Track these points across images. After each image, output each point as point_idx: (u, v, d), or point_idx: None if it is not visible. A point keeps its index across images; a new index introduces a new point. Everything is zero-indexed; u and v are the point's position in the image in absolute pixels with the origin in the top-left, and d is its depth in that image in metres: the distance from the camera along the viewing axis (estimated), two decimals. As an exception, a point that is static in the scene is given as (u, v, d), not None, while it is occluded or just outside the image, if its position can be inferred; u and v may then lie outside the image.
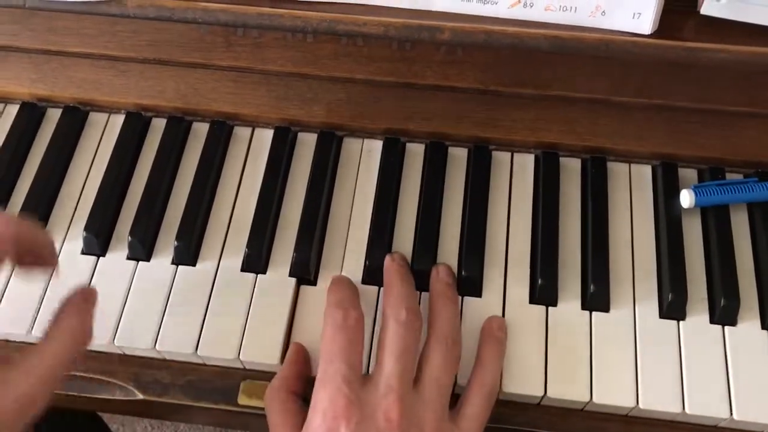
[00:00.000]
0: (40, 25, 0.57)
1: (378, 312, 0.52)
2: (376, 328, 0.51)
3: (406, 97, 0.57)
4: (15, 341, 0.53)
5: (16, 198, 0.57)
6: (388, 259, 0.52)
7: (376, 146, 0.59)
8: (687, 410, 0.48)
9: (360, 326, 0.47)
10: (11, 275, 0.53)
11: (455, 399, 0.47)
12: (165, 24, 0.55)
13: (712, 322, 0.51)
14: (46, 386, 0.41)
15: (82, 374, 0.52)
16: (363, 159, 0.59)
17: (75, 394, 0.52)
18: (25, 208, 0.55)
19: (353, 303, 0.48)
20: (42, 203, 0.56)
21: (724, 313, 0.51)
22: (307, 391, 0.49)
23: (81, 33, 0.57)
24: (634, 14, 0.48)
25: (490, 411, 0.47)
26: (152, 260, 0.54)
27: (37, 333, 0.50)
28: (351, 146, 0.59)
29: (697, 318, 0.51)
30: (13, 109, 0.61)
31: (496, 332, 0.50)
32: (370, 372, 0.49)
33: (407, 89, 0.57)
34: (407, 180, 0.57)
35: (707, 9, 0.48)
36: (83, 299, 0.46)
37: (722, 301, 0.51)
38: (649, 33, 0.48)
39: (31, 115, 0.60)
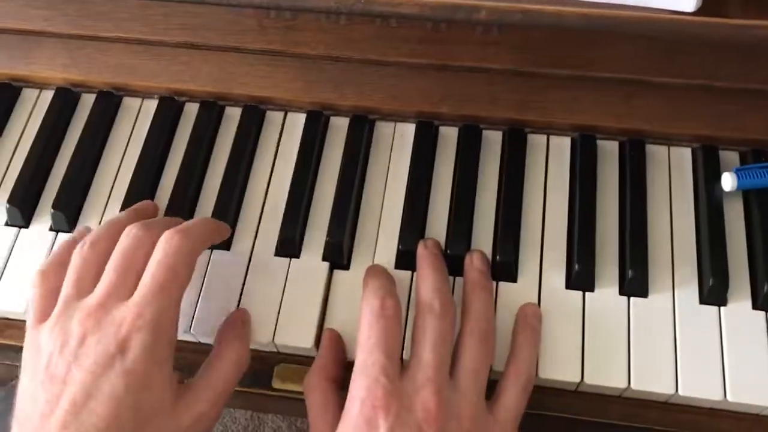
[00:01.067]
0: (73, 10, 0.58)
1: (411, 298, 0.51)
2: (409, 314, 0.50)
3: (440, 79, 0.56)
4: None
5: (51, 183, 0.58)
6: (421, 246, 0.52)
7: (409, 130, 0.58)
8: (728, 398, 0.47)
9: (397, 315, 0.46)
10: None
11: (491, 386, 0.47)
12: (198, 7, 0.55)
13: (754, 307, 0.50)
14: (215, 408, 0.46)
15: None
16: (396, 143, 0.58)
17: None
18: (62, 192, 0.56)
19: (390, 291, 0.47)
20: (77, 188, 0.57)
21: (767, 299, 0.50)
22: (345, 377, 0.49)
23: (114, 17, 0.57)
24: (676, -9, 0.46)
25: (527, 400, 0.47)
26: (186, 244, 0.54)
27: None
28: (383, 130, 0.59)
29: (739, 304, 0.50)
30: (48, 95, 0.61)
31: (530, 320, 0.49)
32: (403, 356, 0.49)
33: (441, 71, 0.56)
34: (441, 164, 0.57)
35: (753, -15, 0.46)
36: (242, 323, 0.50)
37: (765, 286, 0.49)
38: (693, 11, 0.47)
39: (65, 100, 0.61)
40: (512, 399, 0.46)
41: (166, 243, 0.45)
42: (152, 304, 0.43)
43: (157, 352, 0.42)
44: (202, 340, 0.52)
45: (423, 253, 0.51)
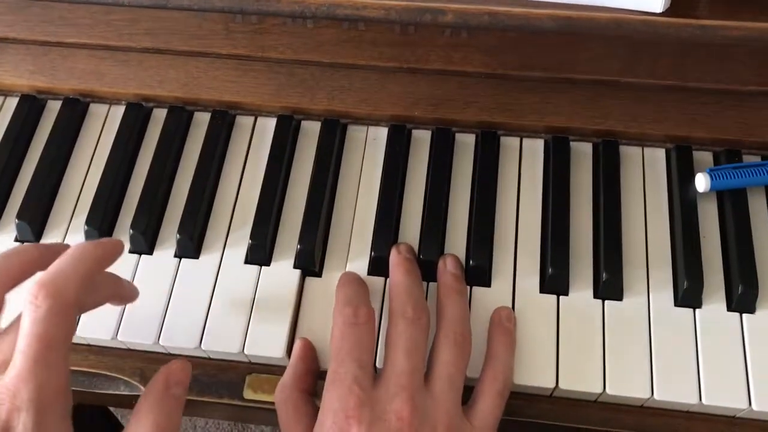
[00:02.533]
0: (35, 15, 0.57)
1: (384, 304, 0.51)
2: (382, 320, 0.50)
3: (411, 82, 0.56)
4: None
5: (17, 191, 0.56)
6: (393, 252, 0.51)
7: (381, 134, 0.58)
8: (704, 401, 0.47)
9: (371, 324, 0.46)
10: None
11: (468, 393, 0.46)
12: (161, 12, 0.54)
13: (729, 309, 0.50)
14: None
15: (87, 369, 0.52)
16: (368, 147, 0.57)
17: (81, 389, 0.52)
18: (26, 201, 0.55)
19: (363, 300, 0.47)
20: (43, 196, 0.55)
21: (741, 301, 0.49)
22: (317, 387, 0.48)
23: (77, 23, 0.56)
24: (645, -9, 0.46)
25: (504, 405, 0.46)
26: (155, 253, 0.53)
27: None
28: (355, 134, 0.58)
29: (714, 306, 0.50)
30: (12, 102, 0.60)
31: (504, 323, 0.49)
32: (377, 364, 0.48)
33: (412, 74, 0.56)
34: (413, 168, 0.56)
35: (722, -15, 0.46)
36: (167, 386, 0.42)
37: (740, 287, 0.49)
38: (661, 11, 0.46)
39: (31, 107, 0.60)
40: (489, 404, 0.46)
41: (32, 306, 0.38)
42: (29, 380, 0.37)
43: (46, 429, 0.37)
44: (171, 351, 0.51)
45: (396, 259, 0.51)
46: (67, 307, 0.39)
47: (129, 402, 0.53)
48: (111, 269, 0.48)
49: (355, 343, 0.44)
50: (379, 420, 0.42)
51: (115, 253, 0.46)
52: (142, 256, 0.53)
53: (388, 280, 0.51)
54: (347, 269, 0.52)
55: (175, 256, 0.53)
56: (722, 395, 0.47)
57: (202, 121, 0.59)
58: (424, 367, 0.45)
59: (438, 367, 0.45)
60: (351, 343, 0.44)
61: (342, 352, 0.44)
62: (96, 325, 0.50)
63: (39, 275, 0.40)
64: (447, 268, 0.50)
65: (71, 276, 0.40)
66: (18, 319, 0.40)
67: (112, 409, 0.82)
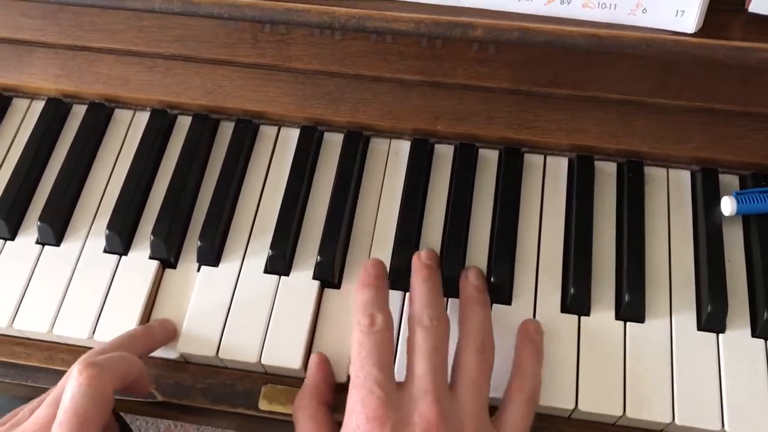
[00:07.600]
0: (67, 20, 0.57)
1: (404, 317, 0.50)
2: (401, 335, 0.49)
3: (436, 96, 0.56)
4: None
5: (40, 194, 0.57)
6: (415, 258, 0.51)
7: (403, 147, 0.57)
8: (726, 428, 0.46)
9: (388, 329, 0.45)
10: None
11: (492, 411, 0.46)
12: (191, 20, 0.55)
13: (753, 335, 0.49)
14: None
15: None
16: (390, 160, 0.57)
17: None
18: (49, 204, 0.55)
19: (379, 306, 0.46)
20: (65, 199, 0.56)
21: (766, 327, 0.48)
22: (334, 400, 0.48)
23: (107, 28, 0.57)
24: (677, 12, 0.46)
25: (532, 417, 0.45)
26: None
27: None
28: (378, 147, 0.58)
29: (738, 331, 0.49)
30: (39, 105, 0.61)
31: (531, 335, 0.48)
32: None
33: (437, 88, 0.55)
34: (435, 182, 0.56)
35: (756, 6, 0.45)
36: None
37: (765, 314, 0.48)
38: (693, 32, 0.46)
39: (56, 111, 0.60)
40: (517, 413, 0.45)
41: (76, 382, 0.42)
42: None
43: None
44: (188, 359, 0.51)
45: (416, 265, 0.50)
46: (106, 394, 0.42)
47: (143, 409, 0.53)
48: (133, 277, 0.49)
49: (373, 349, 0.44)
50: (405, 424, 0.41)
51: (165, 342, 0.50)
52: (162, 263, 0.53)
53: (408, 294, 0.51)
54: (366, 281, 0.52)
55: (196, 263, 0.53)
56: (746, 423, 0.46)
57: (225, 129, 0.59)
58: (446, 370, 0.44)
59: (462, 374, 0.44)
60: (369, 349, 0.44)
61: (361, 358, 0.44)
62: (113, 333, 0.50)
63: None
64: (469, 280, 0.50)
65: (118, 366, 0.44)
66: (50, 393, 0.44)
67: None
